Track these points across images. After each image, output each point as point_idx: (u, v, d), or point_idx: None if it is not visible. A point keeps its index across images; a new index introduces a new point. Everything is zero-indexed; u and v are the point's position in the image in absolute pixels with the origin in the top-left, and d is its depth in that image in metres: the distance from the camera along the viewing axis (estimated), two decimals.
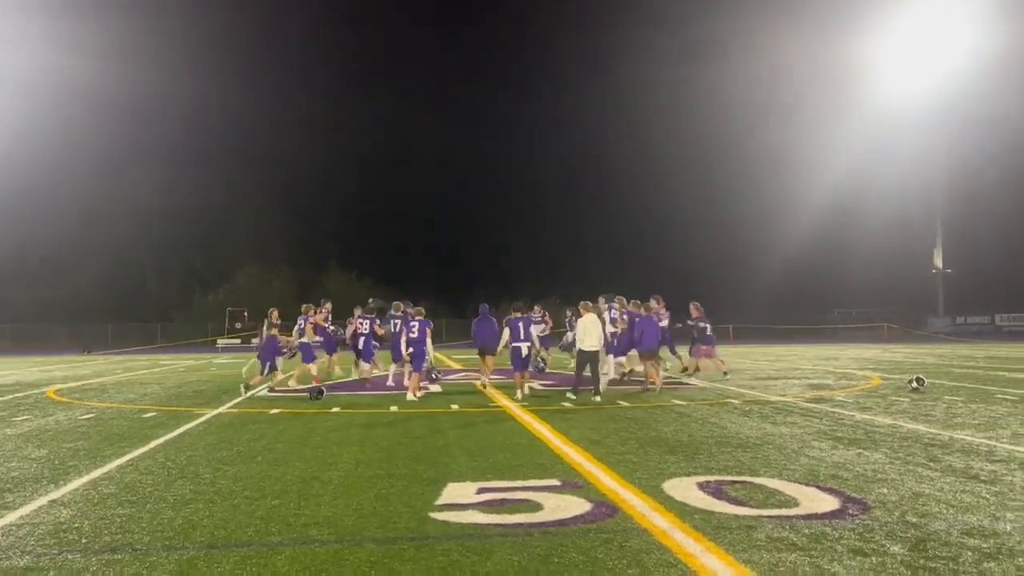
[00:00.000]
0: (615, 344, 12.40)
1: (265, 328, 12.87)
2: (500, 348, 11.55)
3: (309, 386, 11.09)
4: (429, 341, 11.58)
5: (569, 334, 14.69)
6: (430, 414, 9.25)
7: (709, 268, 55.12)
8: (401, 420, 8.74)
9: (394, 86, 66.59)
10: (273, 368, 12.07)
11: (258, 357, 12.31)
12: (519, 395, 10.79)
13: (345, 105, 64.75)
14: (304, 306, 13.23)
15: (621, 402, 10.34)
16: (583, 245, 59.40)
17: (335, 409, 9.81)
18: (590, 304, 11.77)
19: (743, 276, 54.37)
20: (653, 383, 11.85)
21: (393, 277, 54.04)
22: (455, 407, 9.92)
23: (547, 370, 14.92)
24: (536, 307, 15.34)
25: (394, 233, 59.95)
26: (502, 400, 10.58)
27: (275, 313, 12.79)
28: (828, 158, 52.60)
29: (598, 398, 10.48)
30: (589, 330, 10.89)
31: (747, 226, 55.80)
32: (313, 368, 12.52)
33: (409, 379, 11.48)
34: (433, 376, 12.86)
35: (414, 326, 11.54)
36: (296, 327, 12.96)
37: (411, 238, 60.24)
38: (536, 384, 12.65)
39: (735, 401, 10.37)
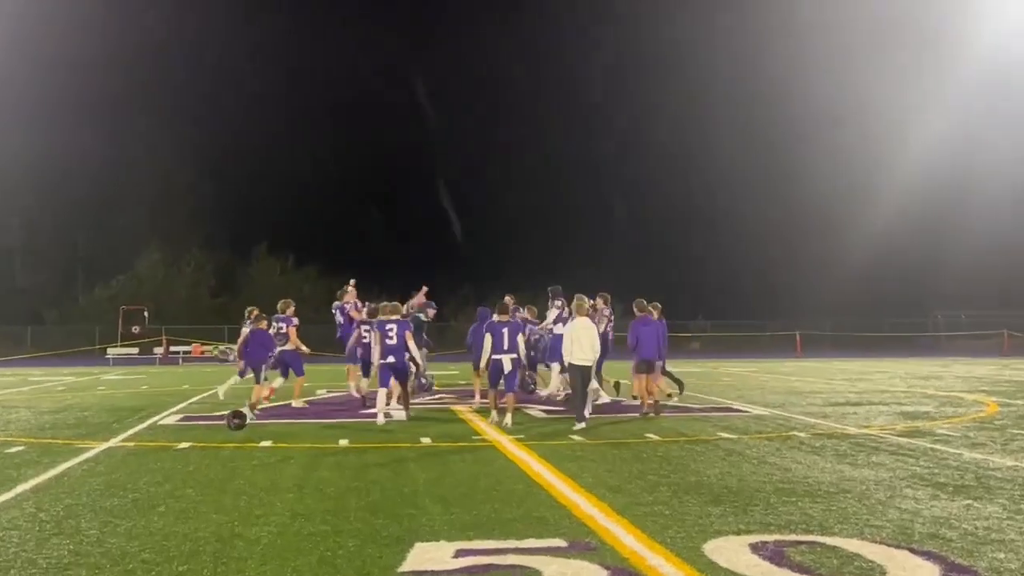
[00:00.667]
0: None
1: (247, 322, 13.49)
2: (483, 364, 11.99)
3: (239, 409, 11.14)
4: (412, 345, 12.21)
5: (544, 334, 15.02)
6: (393, 449, 9.36)
7: (764, 261, 55.98)
8: (354, 457, 8.83)
9: (360, 19, 67.62)
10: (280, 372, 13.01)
11: (243, 365, 12.91)
12: (496, 418, 11.42)
13: (289, 38, 65.01)
14: (282, 303, 14.06)
15: (650, 435, 10.47)
16: (603, 231, 61.69)
17: (265, 443, 9.89)
18: (587, 302, 12.14)
19: (811, 271, 55.07)
20: (652, 404, 12.58)
21: (342, 267, 54.77)
22: (426, 440, 10.06)
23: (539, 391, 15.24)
24: (528, 308, 15.43)
25: (349, 212, 61.22)
26: (491, 432, 10.74)
27: (254, 312, 13.46)
28: (924, 122, 53.02)
29: (582, 424, 11.04)
30: (580, 338, 11.31)
31: (816, 209, 56.46)
32: (276, 381, 13.29)
33: (394, 399, 12.27)
34: (423, 381, 13.28)
35: (391, 329, 11.97)
36: (274, 329, 13.69)
37: (372, 218, 61.69)
38: (536, 411, 13.13)
39: (802, 434, 10.51)
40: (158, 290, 52.36)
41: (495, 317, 11.94)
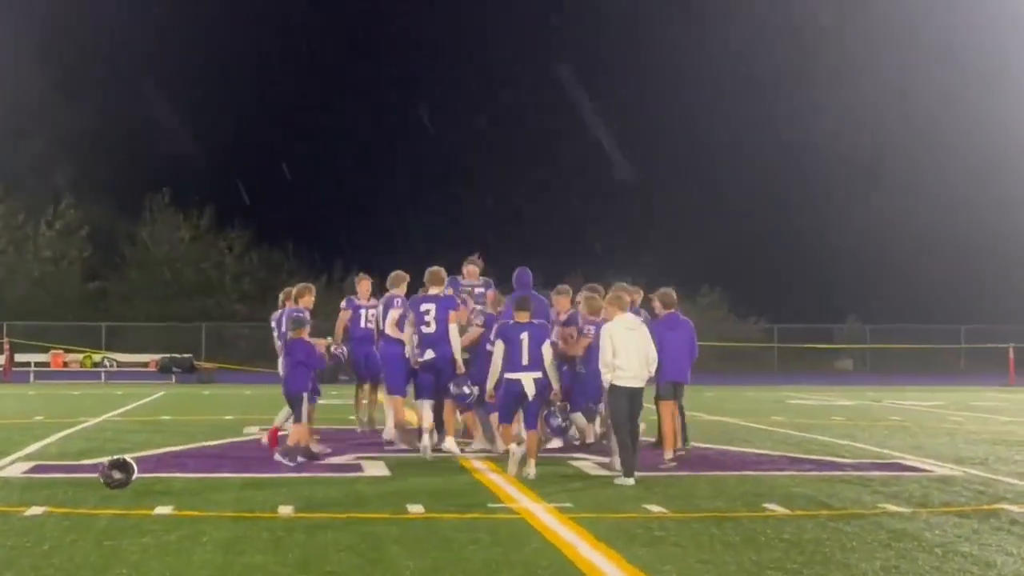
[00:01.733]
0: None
1: (284, 324, 14.47)
2: (490, 386, 12.74)
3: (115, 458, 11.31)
4: (456, 337, 13.45)
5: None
6: (364, 523, 9.38)
7: (956, 240, 58.59)
8: (303, 535, 8.86)
9: None
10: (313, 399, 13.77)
11: (287, 390, 13.71)
12: (516, 470, 12.07)
13: None
14: (299, 288, 14.94)
15: (771, 505, 10.48)
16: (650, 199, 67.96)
17: (163, 509, 9.93)
18: (624, 291, 12.71)
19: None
20: (674, 452, 13.39)
21: (298, 235, 56.20)
22: (416, 508, 10.08)
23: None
24: (576, 295, 15.33)
25: (305, 167, 65.83)
26: (519, 497, 10.82)
27: (306, 295, 14.72)
28: None
29: (629, 480, 11.63)
30: (627, 346, 11.76)
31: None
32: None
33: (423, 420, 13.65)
34: (466, 393, 13.73)
35: (428, 310, 13.55)
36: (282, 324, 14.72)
37: (343, 178, 67.23)
38: (587, 463, 13.45)
39: (1014, 508, 10.43)
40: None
41: (516, 317, 12.53)
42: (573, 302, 14.97)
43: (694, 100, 72.94)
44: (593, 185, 71.88)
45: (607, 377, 11.89)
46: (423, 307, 13.65)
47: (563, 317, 14.77)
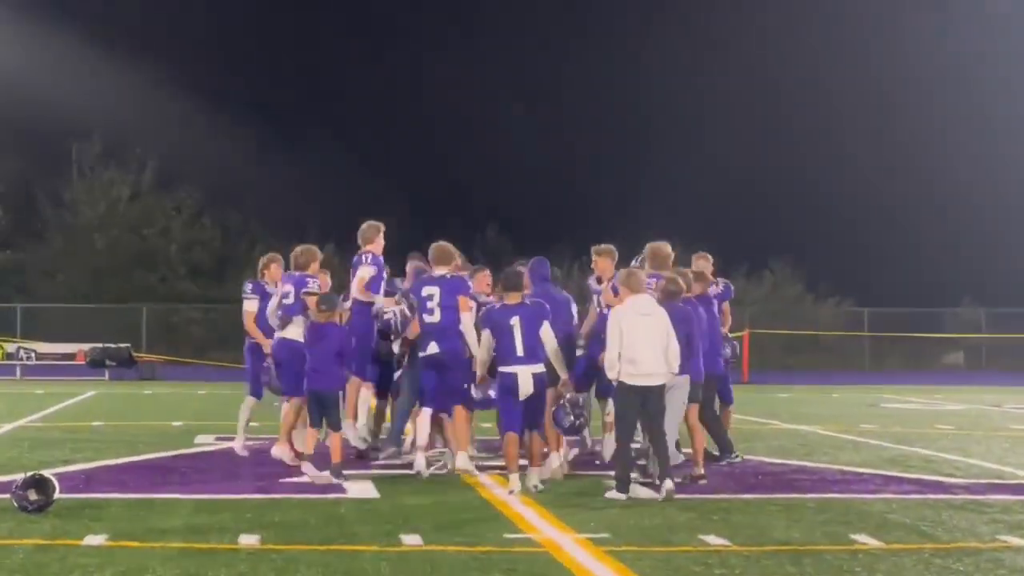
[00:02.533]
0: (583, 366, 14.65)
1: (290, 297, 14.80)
2: (480, 375, 13.32)
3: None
4: (470, 328, 13.51)
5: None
6: (347, 556, 9.37)
7: None
8: (267, 572, 8.88)
9: None
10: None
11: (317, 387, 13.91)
12: (517, 486, 12.53)
13: None
14: (301, 250, 15.25)
15: (858, 536, 10.40)
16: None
17: (95, 539, 9.88)
18: (639, 271, 13.46)
19: None
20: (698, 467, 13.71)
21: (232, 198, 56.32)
22: (412, 539, 10.05)
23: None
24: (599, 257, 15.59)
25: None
26: (542, 525, 10.80)
27: (313, 261, 15.09)
28: None
29: (622, 496, 12.17)
30: (647, 335, 12.19)
31: None
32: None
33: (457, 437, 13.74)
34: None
35: (431, 295, 13.58)
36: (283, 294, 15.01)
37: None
38: (559, 463, 13.97)
39: None
40: None
41: (504, 298, 13.02)
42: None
43: (769, 49, 73.62)
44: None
45: (611, 372, 12.30)
46: (426, 291, 13.71)
47: (604, 284, 14.87)
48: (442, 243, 14.21)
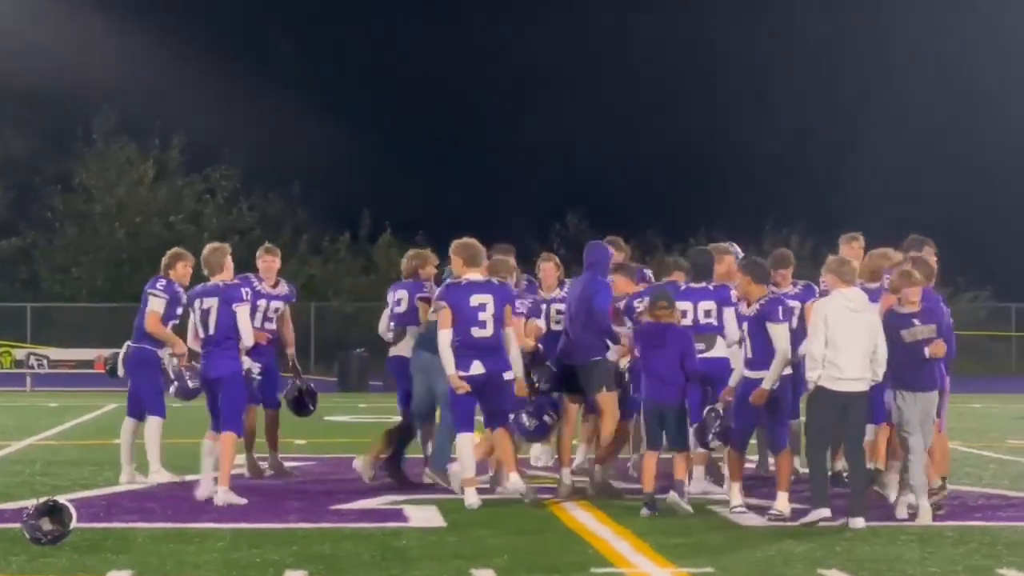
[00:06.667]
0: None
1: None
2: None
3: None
4: (514, 341, 13.26)
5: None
6: None
7: None
8: None
9: None
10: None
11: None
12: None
13: None
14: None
15: (1010, 573, 9.88)
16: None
17: (117, 574, 9.55)
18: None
19: None
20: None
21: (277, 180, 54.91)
22: (486, 574, 9.75)
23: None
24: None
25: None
26: (635, 558, 10.40)
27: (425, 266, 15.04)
28: None
29: (857, 523, 11.67)
30: (840, 331, 11.85)
31: None
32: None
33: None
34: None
35: (483, 304, 13.03)
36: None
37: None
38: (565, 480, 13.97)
39: None
40: None
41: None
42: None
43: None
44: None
45: (812, 374, 11.85)
46: (476, 299, 13.02)
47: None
48: (470, 241, 13.65)
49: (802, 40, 74.36)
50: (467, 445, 13.28)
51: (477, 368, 12.95)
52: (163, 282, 14.95)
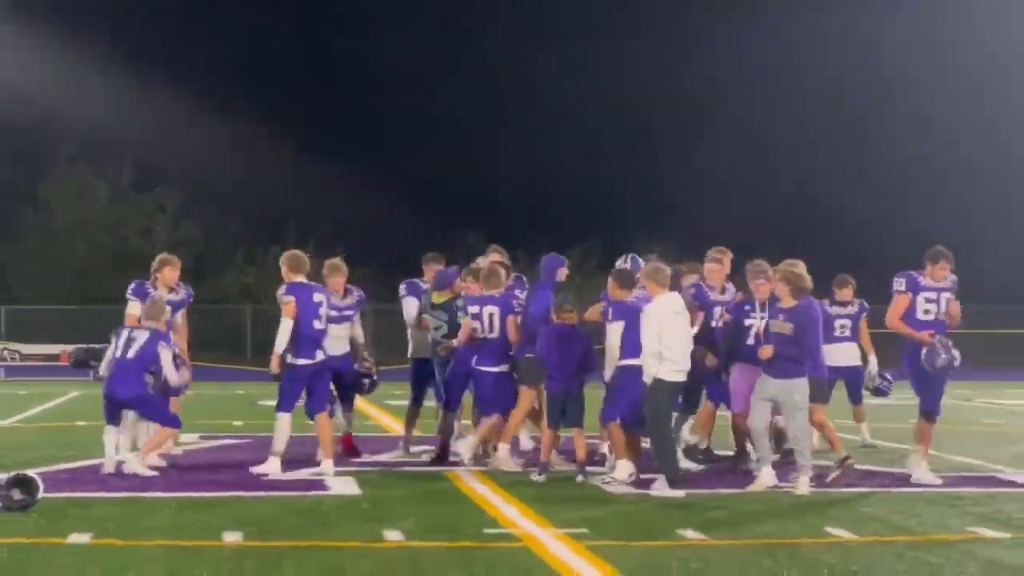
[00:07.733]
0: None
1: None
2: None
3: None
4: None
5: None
6: (329, 552, 9.40)
7: None
8: (251, 569, 8.89)
9: None
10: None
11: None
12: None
13: None
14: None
15: (835, 529, 10.36)
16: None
17: (79, 536, 9.92)
18: (665, 269, 13.11)
19: None
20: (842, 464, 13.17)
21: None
22: (394, 535, 10.06)
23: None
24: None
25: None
26: (522, 521, 10.80)
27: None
28: None
29: (676, 493, 12.29)
30: (671, 330, 12.41)
31: None
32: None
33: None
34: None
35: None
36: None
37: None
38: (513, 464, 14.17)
39: None
40: None
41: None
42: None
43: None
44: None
45: (651, 369, 12.31)
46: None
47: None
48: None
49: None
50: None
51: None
52: (143, 286, 15.18)
